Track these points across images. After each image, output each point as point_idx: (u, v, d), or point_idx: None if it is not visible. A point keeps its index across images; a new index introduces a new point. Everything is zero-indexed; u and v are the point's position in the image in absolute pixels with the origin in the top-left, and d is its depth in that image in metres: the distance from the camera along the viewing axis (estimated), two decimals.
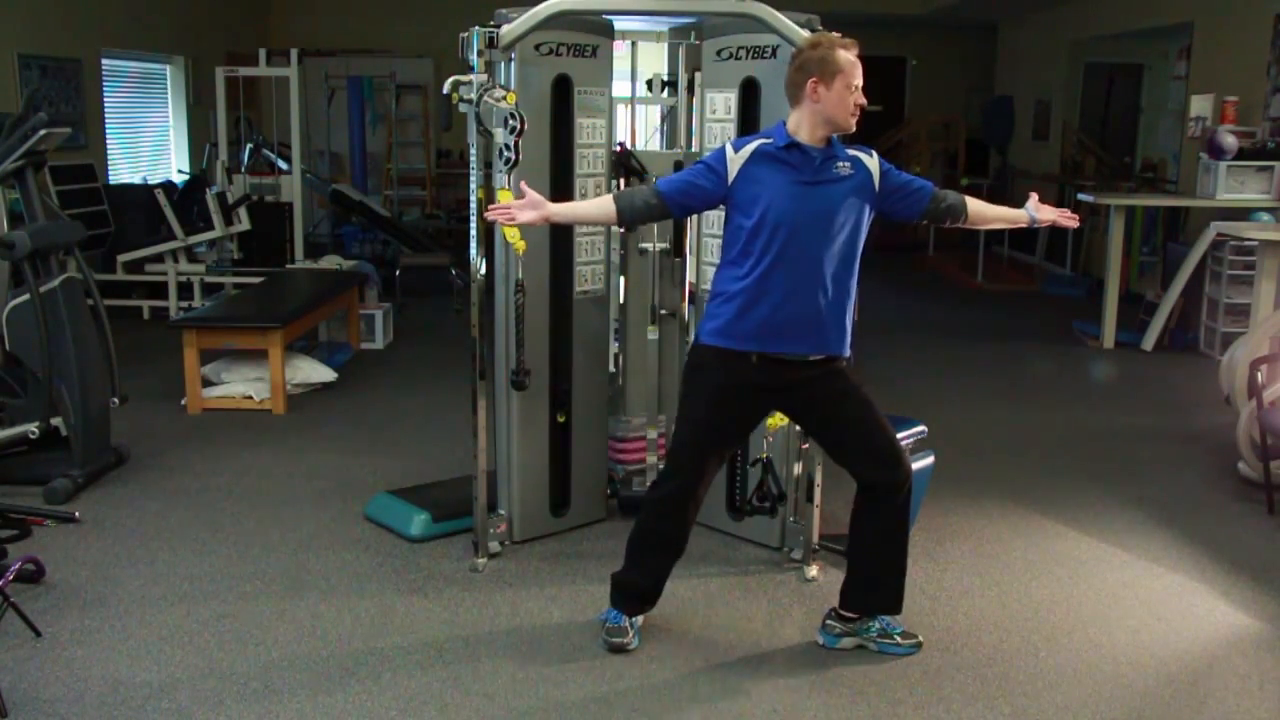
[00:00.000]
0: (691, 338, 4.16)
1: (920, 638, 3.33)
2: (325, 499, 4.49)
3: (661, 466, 3.36)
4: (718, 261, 3.27)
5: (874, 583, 3.30)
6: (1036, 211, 3.35)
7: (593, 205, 3.44)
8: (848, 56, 3.05)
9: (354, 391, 6.19)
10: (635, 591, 3.31)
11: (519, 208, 3.17)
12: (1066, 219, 3.38)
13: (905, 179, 3.21)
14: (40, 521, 4.10)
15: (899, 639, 3.30)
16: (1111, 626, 3.49)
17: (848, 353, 3.19)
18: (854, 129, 3.10)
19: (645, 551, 3.31)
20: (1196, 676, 3.20)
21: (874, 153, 3.20)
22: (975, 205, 3.32)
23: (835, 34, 3.13)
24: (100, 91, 8.97)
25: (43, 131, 4.49)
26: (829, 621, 3.34)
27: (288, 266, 8.18)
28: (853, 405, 3.20)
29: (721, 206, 3.20)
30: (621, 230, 4.19)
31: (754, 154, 3.08)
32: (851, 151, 3.15)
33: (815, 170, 3.06)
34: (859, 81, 3.06)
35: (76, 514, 4.19)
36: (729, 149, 3.12)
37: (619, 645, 3.25)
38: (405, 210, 12.16)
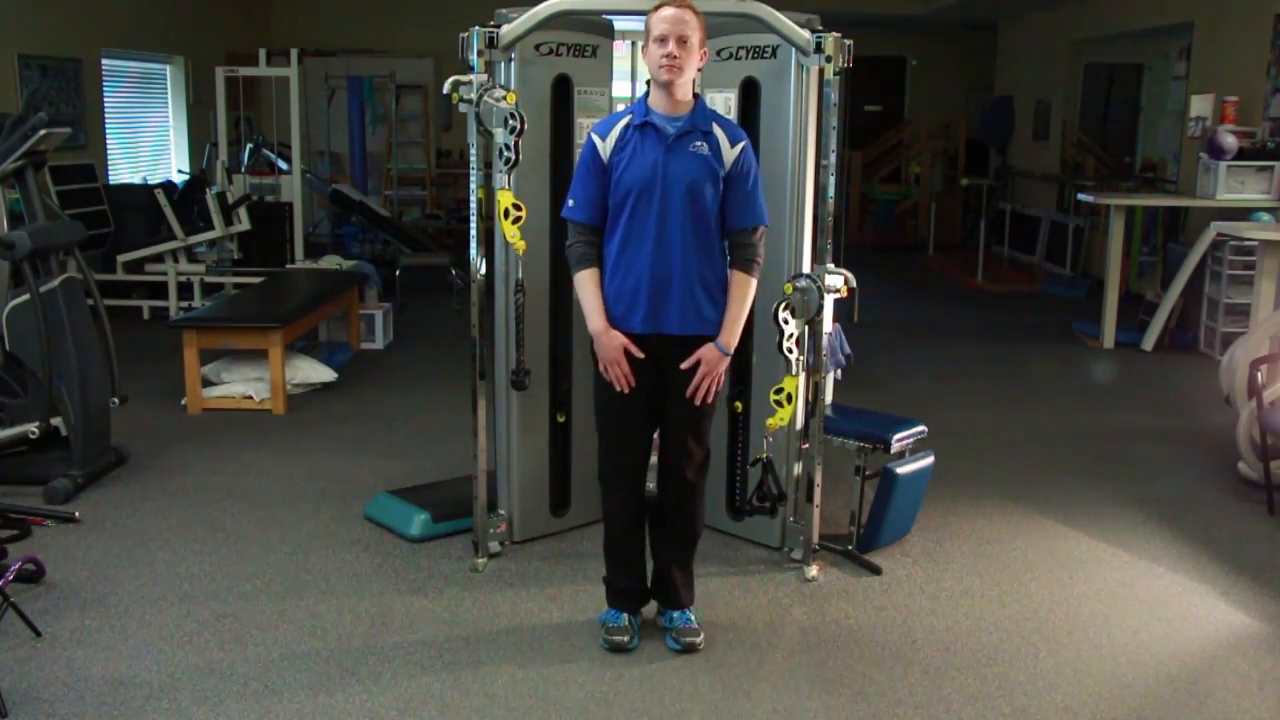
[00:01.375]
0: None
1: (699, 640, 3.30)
2: (325, 499, 4.49)
3: (664, 466, 3.34)
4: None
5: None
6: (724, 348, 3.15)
7: (588, 291, 3.20)
8: (658, 14, 3.06)
9: (354, 391, 6.19)
10: (621, 590, 3.34)
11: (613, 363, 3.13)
12: (702, 384, 3.14)
13: (744, 193, 3.14)
14: (40, 521, 4.11)
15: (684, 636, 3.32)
16: (1111, 626, 3.49)
17: (714, 335, 3.13)
18: (666, 80, 3.05)
19: (611, 545, 3.35)
20: (1196, 676, 3.20)
21: (744, 141, 3.15)
22: (734, 286, 3.14)
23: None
24: (100, 91, 8.98)
25: (43, 131, 4.49)
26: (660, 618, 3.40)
27: (288, 266, 8.19)
28: (692, 403, 3.16)
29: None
30: None
31: (619, 134, 3.12)
32: (719, 129, 3.12)
33: (667, 145, 3.09)
34: (665, 31, 3.02)
35: (76, 514, 4.19)
36: (595, 138, 3.15)
37: (619, 644, 3.25)
38: (405, 210, 12.17)
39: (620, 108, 3.68)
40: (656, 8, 3.08)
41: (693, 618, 3.34)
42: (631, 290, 3.12)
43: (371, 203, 10.37)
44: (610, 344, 3.12)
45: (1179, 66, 10.24)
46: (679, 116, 3.10)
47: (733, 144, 3.12)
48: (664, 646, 3.30)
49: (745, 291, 3.15)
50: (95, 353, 4.67)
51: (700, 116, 3.13)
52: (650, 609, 3.41)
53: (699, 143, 3.09)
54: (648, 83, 3.18)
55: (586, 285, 3.17)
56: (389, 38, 12.47)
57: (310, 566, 3.85)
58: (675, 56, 3.01)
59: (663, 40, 3.03)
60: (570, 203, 3.19)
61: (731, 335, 3.14)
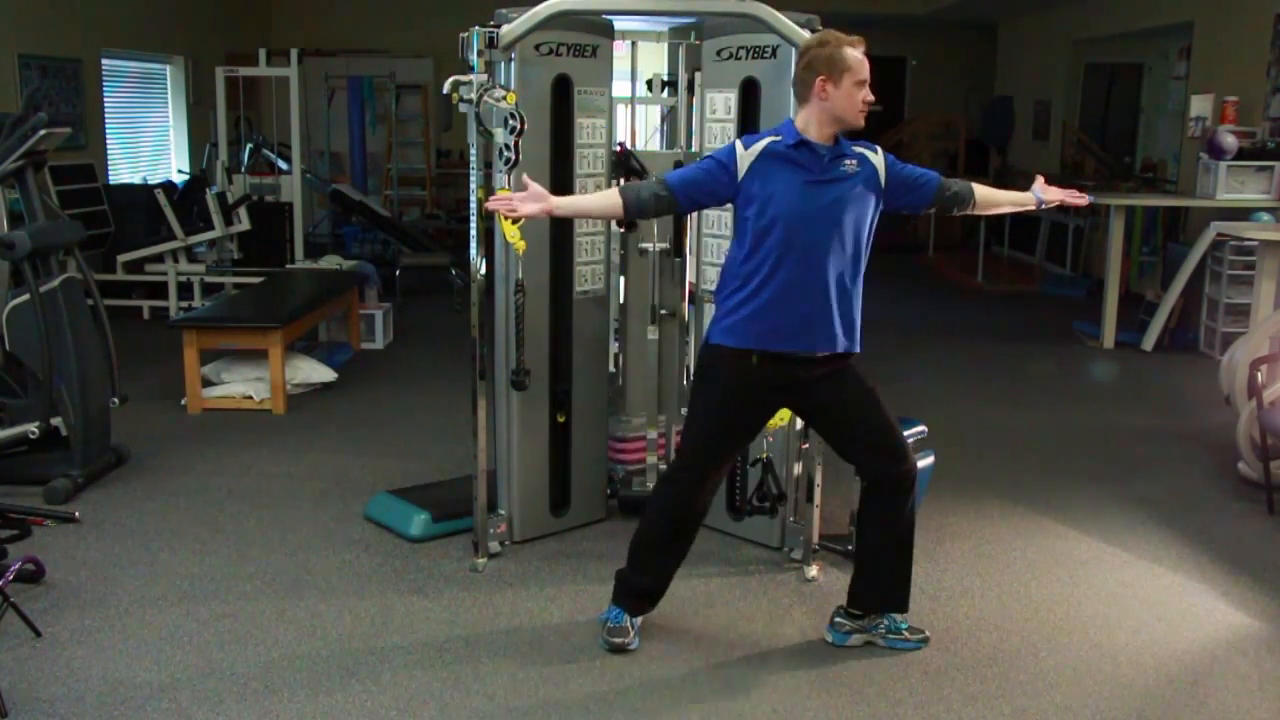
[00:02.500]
0: (691, 337, 4.17)
1: (926, 633, 3.34)
2: (325, 499, 4.49)
3: (665, 466, 3.35)
4: (722, 260, 3.27)
5: (881, 581, 3.31)
6: (1043, 194, 3.37)
7: (597, 198, 3.41)
8: (855, 54, 3.06)
9: (354, 391, 6.19)
10: (640, 591, 3.31)
11: (521, 199, 3.15)
12: (1074, 198, 3.37)
13: (912, 172, 3.23)
14: (40, 521, 4.10)
15: (907, 634, 3.31)
16: (1111, 626, 3.49)
17: (859, 349, 3.22)
18: (862, 125, 3.11)
19: (650, 552, 3.30)
20: (1196, 676, 3.20)
21: (879, 149, 3.20)
22: (982, 191, 3.33)
23: (841, 33, 3.14)
24: (100, 91, 8.98)
25: (43, 131, 4.49)
26: (837, 619, 3.34)
27: (288, 266, 8.19)
28: (861, 403, 3.23)
29: (729, 204, 3.21)
30: (622, 229, 4.19)
31: (763, 152, 3.09)
32: (858, 148, 3.16)
33: (823, 168, 3.07)
34: (867, 78, 3.07)
35: (76, 514, 4.19)
36: (739, 146, 3.12)
37: (619, 645, 3.25)
38: (405, 210, 12.17)
39: (620, 108, 3.68)
40: (850, 44, 3.06)
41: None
42: (784, 308, 3.10)
43: (371, 203, 10.37)
44: (528, 194, 3.14)
45: (1179, 66, 10.23)
46: (830, 145, 3.12)
47: (875, 153, 3.17)
48: (664, 646, 3.29)
49: (989, 187, 3.37)
50: (95, 353, 4.67)
51: (844, 144, 3.14)
52: (651, 611, 3.40)
53: (850, 161, 3.11)
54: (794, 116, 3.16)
55: (602, 194, 3.31)
56: (389, 38, 12.47)
57: (310, 566, 3.84)
58: (871, 102, 3.10)
59: (866, 85, 3.07)
60: (681, 174, 3.20)
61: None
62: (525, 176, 3.27)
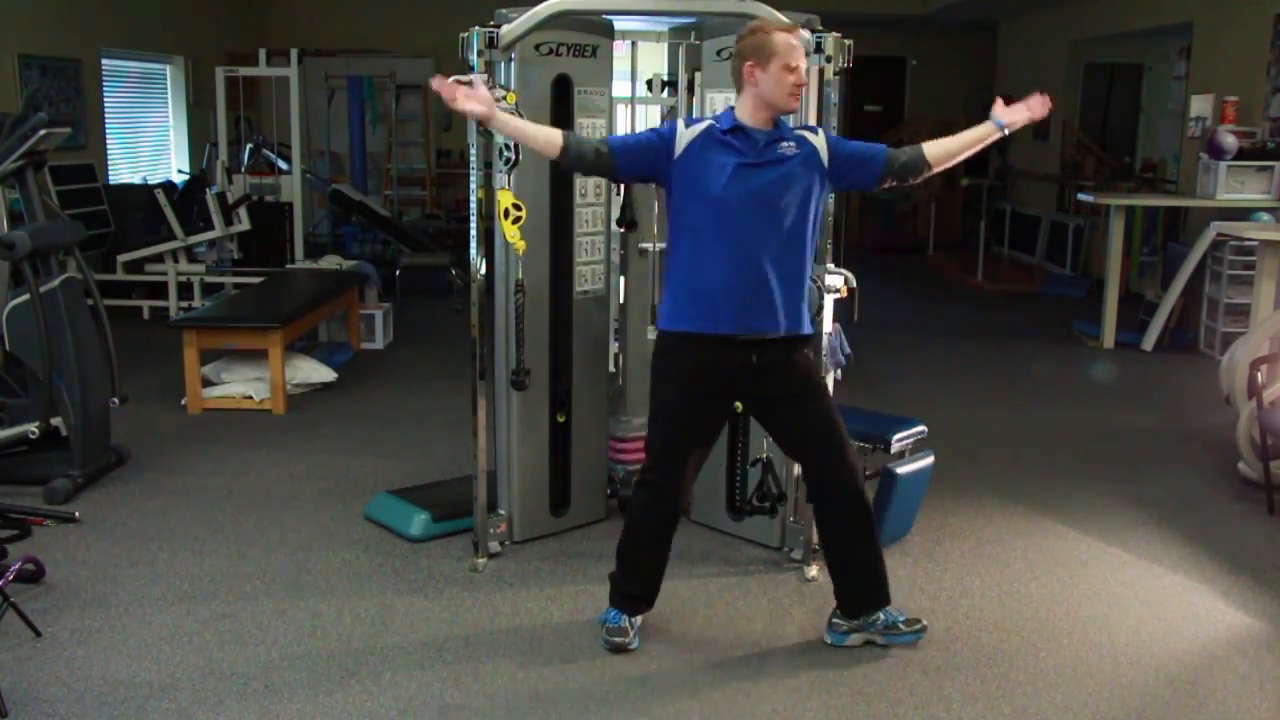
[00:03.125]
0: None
1: (923, 621, 3.34)
2: (325, 499, 4.49)
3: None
4: None
5: (858, 583, 3.31)
6: (1003, 117, 3.25)
7: (539, 130, 3.23)
8: (784, 39, 3.07)
9: (354, 391, 6.19)
10: (631, 592, 3.32)
11: (465, 94, 3.04)
12: (1037, 109, 3.24)
13: (856, 148, 3.22)
14: (40, 521, 4.10)
15: (902, 627, 3.31)
16: (1111, 626, 3.49)
17: (807, 330, 3.19)
18: (794, 108, 3.11)
19: (635, 554, 3.32)
20: (1196, 676, 3.20)
21: (820, 130, 3.22)
22: (935, 148, 3.24)
23: (777, 17, 3.17)
24: (100, 91, 8.98)
25: (43, 131, 4.49)
26: (834, 620, 3.35)
27: (288, 266, 8.18)
28: (808, 398, 3.20)
29: (663, 188, 3.23)
30: (622, 229, 4.19)
31: (702, 134, 3.12)
32: (799, 131, 3.18)
33: (758, 152, 3.09)
34: (796, 63, 3.06)
35: (76, 514, 4.19)
36: (680, 124, 3.17)
37: (619, 645, 3.25)
38: (405, 210, 12.16)
39: (620, 108, 3.67)
40: (778, 30, 3.08)
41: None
42: (723, 291, 3.11)
43: (371, 203, 10.36)
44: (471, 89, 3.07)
45: (1179, 66, 10.23)
46: (767, 129, 3.13)
47: (815, 134, 3.19)
48: (664, 646, 3.29)
49: (942, 139, 3.25)
50: (95, 353, 4.67)
51: (784, 126, 3.16)
52: (651, 611, 3.40)
53: (788, 143, 3.13)
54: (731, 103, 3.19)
55: (545, 130, 3.21)
56: (389, 38, 12.47)
57: (310, 566, 3.84)
58: (802, 85, 3.10)
59: (794, 69, 3.06)
60: (623, 138, 3.25)
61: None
62: (475, 76, 3.23)
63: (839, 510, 3.26)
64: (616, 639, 3.25)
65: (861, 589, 3.30)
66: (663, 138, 3.14)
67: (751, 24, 3.17)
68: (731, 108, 3.17)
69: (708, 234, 3.09)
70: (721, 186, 3.06)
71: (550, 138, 3.17)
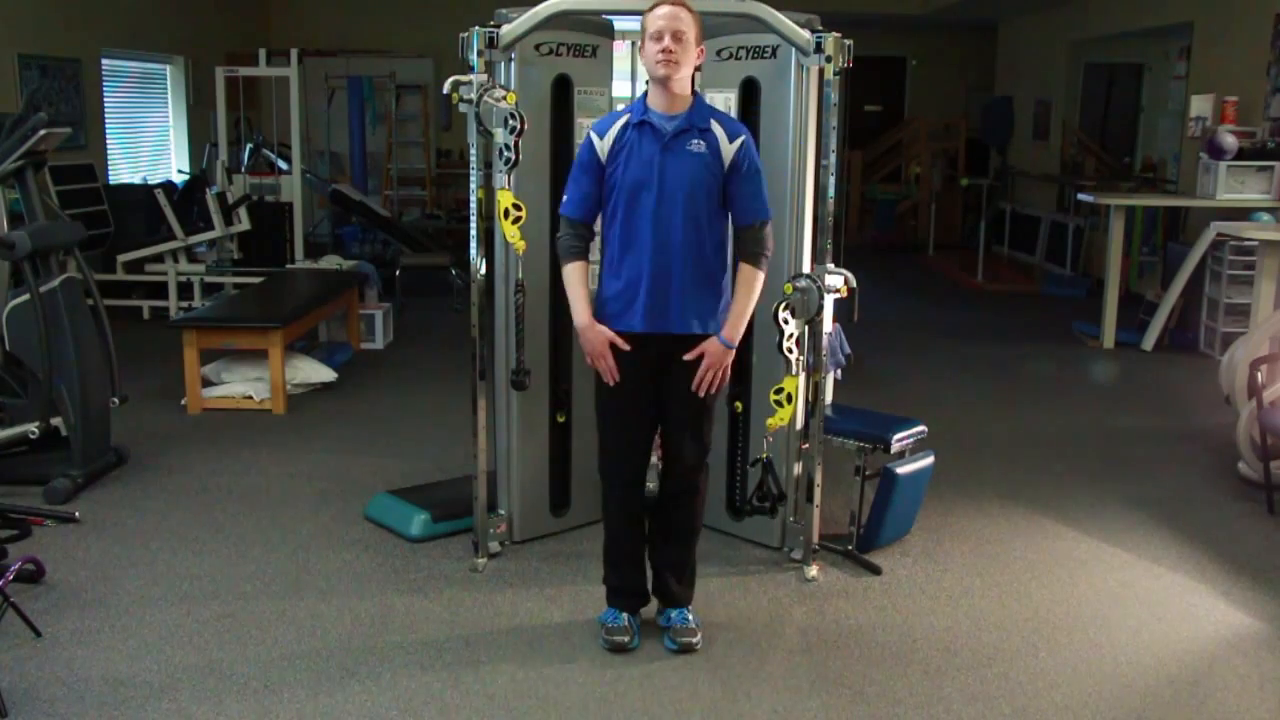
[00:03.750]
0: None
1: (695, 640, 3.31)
2: (325, 499, 4.49)
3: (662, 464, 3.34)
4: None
5: (664, 576, 3.36)
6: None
7: (575, 284, 3.20)
8: (654, 11, 3.08)
9: (354, 391, 6.19)
10: (622, 590, 3.34)
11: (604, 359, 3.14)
12: (706, 377, 3.14)
13: (747, 190, 3.14)
14: (40, 521, 4.11)
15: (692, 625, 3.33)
16: (1111, 626, 3.49)
17: (718, 330, 3.14)
18: (662, 75, 3.06)
19: (616, 552, 3.34)
20: (1196, 676, 3.20)
21: (744, 136, 3.15)
22: (741, 279, 3.15)
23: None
24: (100, 91, 8.98)
25: (43, 131, 4.49)
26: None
27: (288, 266, 8.18)
28: (693, 397, 3.18)
29: None
30: None
31: (618, 132, 3.13)
32: (718, 126, 3.13)
33: (665, 144, 3.10)
34: (659, 28, 3.04)
35: (76, 514, 4.19)
36: (593, 136, 3.16)
37: (619, 644, 3.25)
38: (405, 210, 12.17)
39: (620, 107, 3.66)
40: (652, 6, 3.09)
41: (690, 617, 3.33)
42: (631, 289, 3.12)
43: (371, 203, 10.36)
44: (595, 339, 3.14)
45: (1179, 66, 10.24)
46: (676, 115, 3.11)
47: (731, 139, 3.13)
48: (663, 646, 3.30)
49: (752, 285, 3.15)
50: (95, 353, 4.67)
51: (698, 114, 3.13)
52: (650, 609, 3.41)
53: (696, 141, 3.10)
54: (647, 83, 3.18)
55: (574, 279, 3.18)
56: (389, 38, 12.48)
57: (310, 566, 3.85)
58: (671, 51, 3.02)
59: (658, 36, 3.04)
60: (565, 198, 3.21)
61: (736, 329, 3.14)
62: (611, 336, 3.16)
63: (676, 509, 3.33)
64: (617, 638, 3.26)
65: (669, 584, 3.35)
66: (586, 166, 3.16)
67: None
68: (643, 96, 3.17)
69: (621, 233, 3.12)
70: (630, 181, 3.09)
71: (573, 273, 3.18)
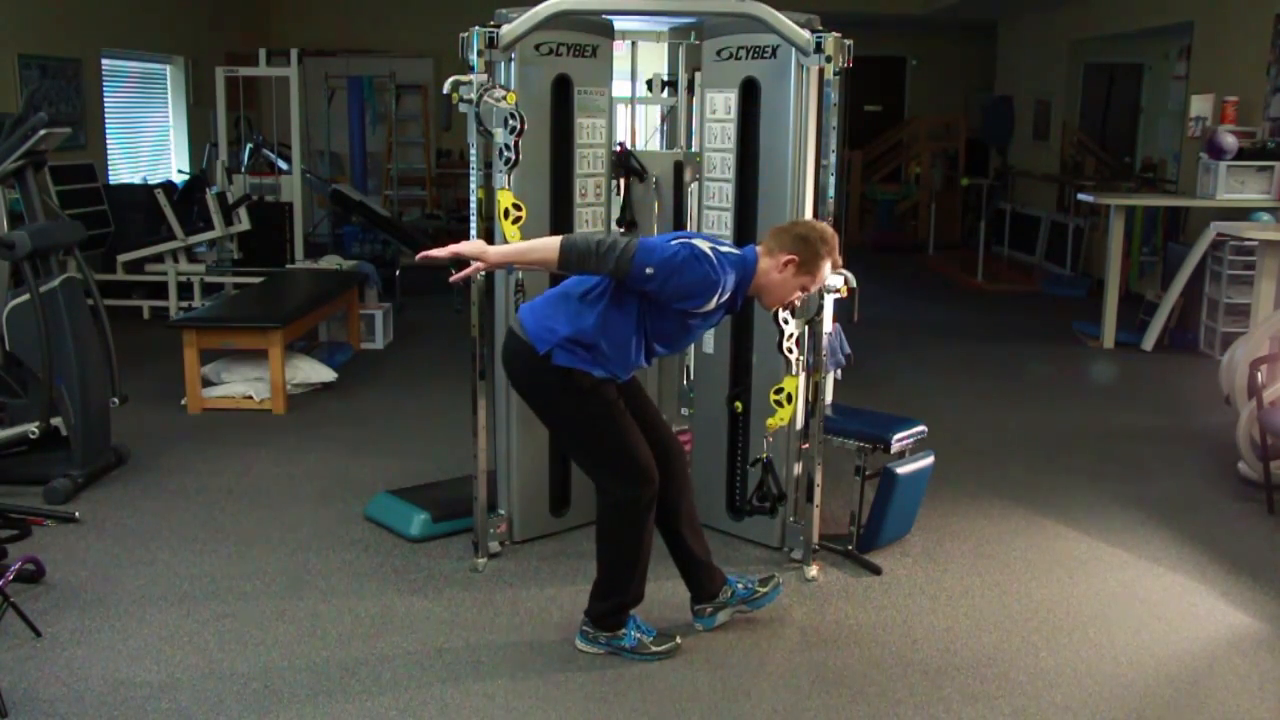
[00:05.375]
0: None
1: (777, 577, 3.45)
2: (325, 499, 4.49)
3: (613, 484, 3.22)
4: None
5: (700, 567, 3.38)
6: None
7: (530, 244, 3.21)
8: (828, 271, 3.12)
9: (354, 391, 6.19)
10: (638, 595, 3.27)
11: (452, 249, 3.17)
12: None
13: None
14: (40, 521, 4.11)
15: (759, 588, 3.39)
16: (1111, 626, 3.49)
17: (536, 345, 3.10)
18: (774, 308, 3.25)
19: (640, 564, 3.23)
20: (1196, 676, 3.20)
21: (709, 252, 3.03)
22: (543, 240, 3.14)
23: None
24: (100, 91, 8.97)
25: (43, 131, 4.49)
26: (696, 607, 3.40)
27: (288, 266, 8.18)
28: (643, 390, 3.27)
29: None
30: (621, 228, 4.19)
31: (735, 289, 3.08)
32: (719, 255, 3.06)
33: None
34: (811, 290, 3.16)
35: (76, 514, 4.19)
36: (730, 281, 3.03)
37: (669, 650, 3.22)
38: (405, 210, 12.16)
39: (620, 108, 3.67)
40: (831, 258, 3.10)
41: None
42: (628, 358, 3.15)
43: (371, 203, 10.35)
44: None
45: (1179, 66, 10.23)
46: None
47: None
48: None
49: (542, 244, 3.08)
50: (95, 353, 4.67)
51: None
52: (651, 612, 3.39)
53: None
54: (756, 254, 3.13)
55: (534, 243, 3.14)
56: (389, 38, 12.47)
57: (310, 566, 3.84)
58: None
59: (805, 294, 3.17)
60: (649, 271, 2.96)
61: (499, 250, 3.19)
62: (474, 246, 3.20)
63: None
64: (662, 647, 3.22)
65: (704, 573, 3.37)
66: (707, 311, 3.07)
67: (830, 232, 3.13)
68: (753, 266, 3.08)
69: (648, 320, 3.08)
70: (700, 323, 3.13)
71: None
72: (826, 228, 3.14)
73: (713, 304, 3.02)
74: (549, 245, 3.03)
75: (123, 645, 3.26)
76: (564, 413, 3.19)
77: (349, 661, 3.19)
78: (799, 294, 3.13)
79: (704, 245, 3.01)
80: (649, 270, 2.94)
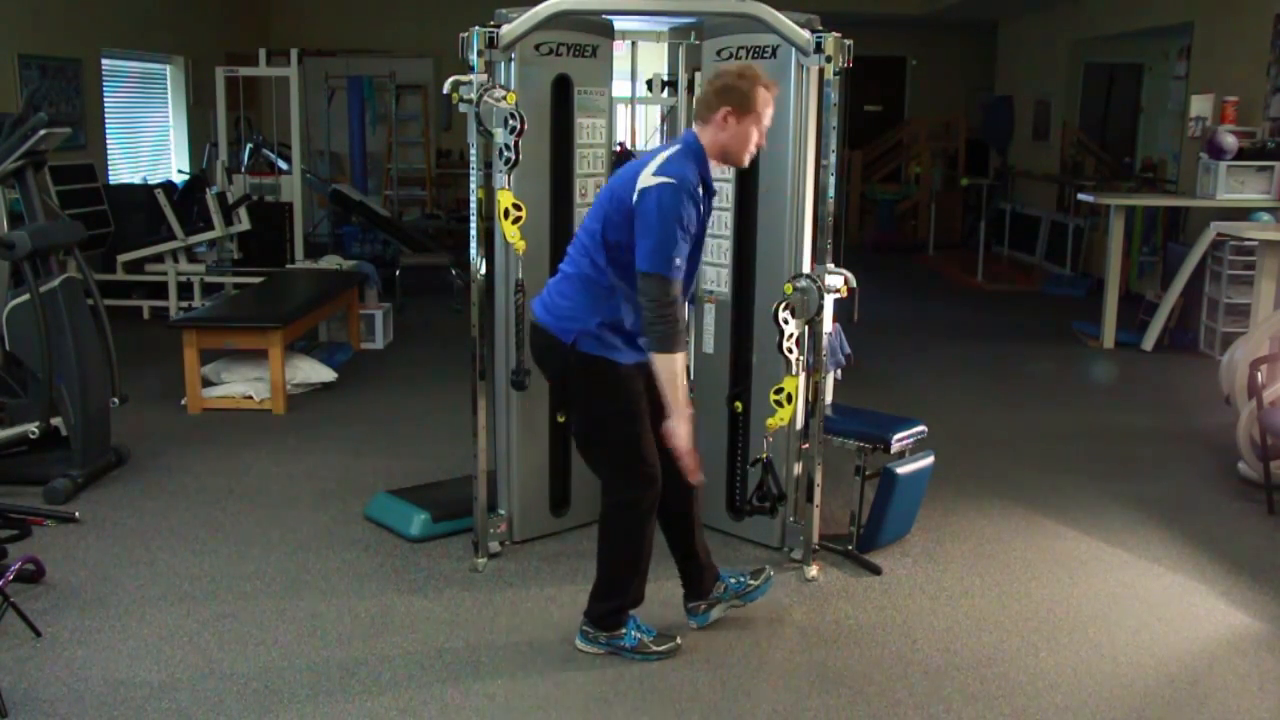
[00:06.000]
0: (691, 338, 4.17)
1: (768, 569, 3.46)
2: (325, 499, 4.49)
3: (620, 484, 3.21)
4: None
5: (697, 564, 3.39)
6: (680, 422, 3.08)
7: (682, 371, 3.10)
8: (768, 98, 3.08)
9: (354, 391, 6.19)
10: (630, 604, 3.26)
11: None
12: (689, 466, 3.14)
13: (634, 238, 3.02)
14: (40, 521, 4.11)
15: (751, 581, 3.40)
16: (1111, 626, 3.49)
17: (557, 335, 3.10)
18: (743, 165, 3.18)
19: (643, 562, 3.24)
20: (1196, 676, 3.20)
21: (658, 186, 2.96)
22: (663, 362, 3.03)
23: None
24: (100, 91, 8.98)
25: (43, 131, 4.49)
26: (690, 605, 3.40)
27: (288, 266, 8.19)
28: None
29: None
30: None
31: (701, 198, 3.06)
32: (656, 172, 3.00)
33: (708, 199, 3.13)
34: (767, 125, 3.11)
35: (76, 514, 4.19)
36: (691, 176, 3.00)
37: (669, 650, 3.22)
38: (405, 210, 12.16)
39: (620, 108, 3.67)
40: (764, 85, 3.06)
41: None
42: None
43: (371, 203, 10.36)
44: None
45: (1179, 66, 10.24)
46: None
47: (647, 178, 3.04)
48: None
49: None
50: (95, 353, 4.67)
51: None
52: (652, 612, 3.39)
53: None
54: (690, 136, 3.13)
55: (682, 366, 3.05)
56: (389, 38, 12.47)
57: (310, 566, 3.85)
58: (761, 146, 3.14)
59: (763, 132, 3.11)
60: (678, 262, 2.96)
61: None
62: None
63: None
64: (662, 647, 3.22)
65: (702, 573, 3.38)
66: (699, 214, 3.04)
67: (741, 67, 3.12)
68: (697, 144, 3.07)
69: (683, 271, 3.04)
70: (699, 230, 3.09)
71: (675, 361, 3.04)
72: (738, 65, 3.12)
73: (699, 204, 3.02)
74: (662, 364, 3.01)
75: (123, 645, 3.26)
76: (593, 404, 3.19)
77: (349, 661, 3.19)
78: (758, 136, 3.08)
79: (656, 180, 2.96)
80: (677, 261, 2.97)
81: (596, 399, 3.17)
